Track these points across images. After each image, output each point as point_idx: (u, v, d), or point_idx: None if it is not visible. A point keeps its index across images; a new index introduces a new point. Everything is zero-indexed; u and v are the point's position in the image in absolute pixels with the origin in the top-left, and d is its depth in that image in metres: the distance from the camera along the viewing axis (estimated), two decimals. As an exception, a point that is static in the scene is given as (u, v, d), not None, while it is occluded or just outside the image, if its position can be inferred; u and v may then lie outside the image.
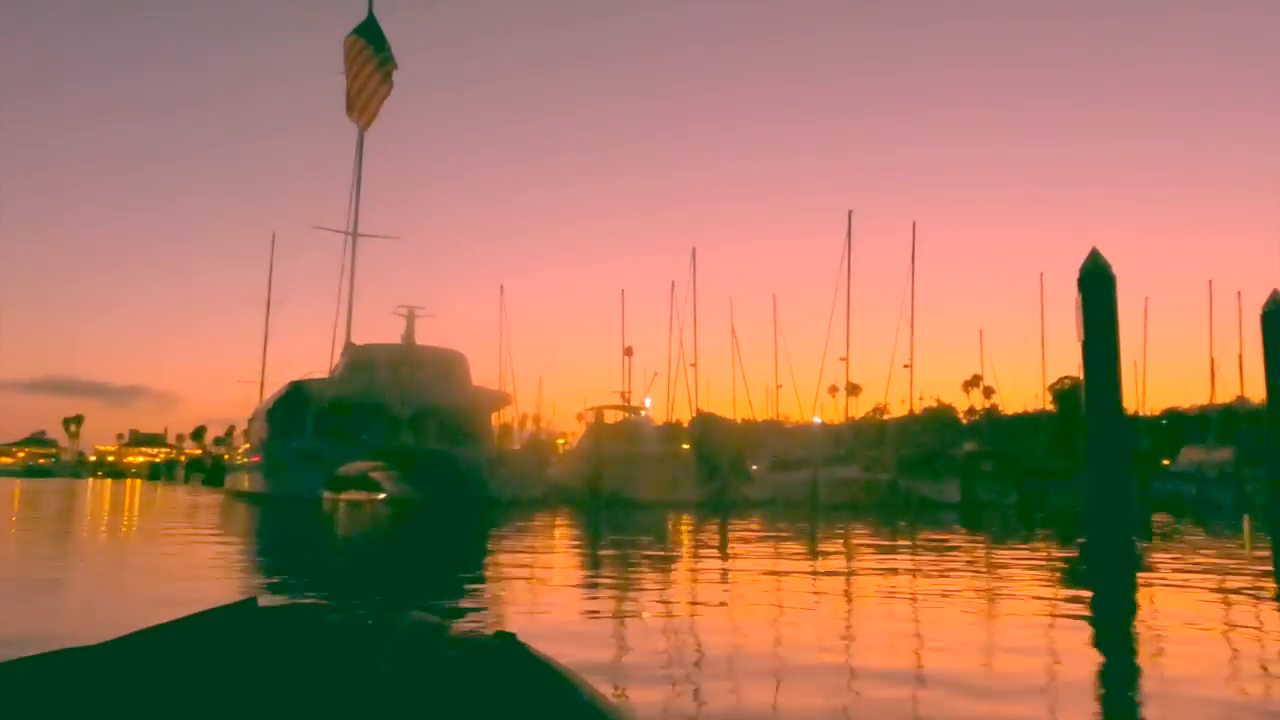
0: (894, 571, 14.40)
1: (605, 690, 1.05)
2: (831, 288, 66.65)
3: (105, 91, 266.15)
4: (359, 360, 41.66)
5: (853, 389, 58.43)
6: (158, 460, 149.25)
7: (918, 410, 58.07)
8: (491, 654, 0.95)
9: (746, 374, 64.73)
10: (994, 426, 63.94)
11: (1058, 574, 14.58)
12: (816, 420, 54.45)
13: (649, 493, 43.41)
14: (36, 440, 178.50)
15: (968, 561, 16.20)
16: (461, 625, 1.02)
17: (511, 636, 0.98)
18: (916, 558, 17.13)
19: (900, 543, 21.52)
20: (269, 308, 64.56)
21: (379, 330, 47.42)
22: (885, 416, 63.02)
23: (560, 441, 67.40)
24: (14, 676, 0.88)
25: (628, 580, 12.99)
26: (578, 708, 0.92)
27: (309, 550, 18.83)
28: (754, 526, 28.85)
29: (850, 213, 55.09)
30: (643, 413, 50.20)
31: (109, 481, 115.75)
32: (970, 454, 48.91)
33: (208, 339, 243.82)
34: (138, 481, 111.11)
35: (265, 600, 1.00)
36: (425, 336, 44.28)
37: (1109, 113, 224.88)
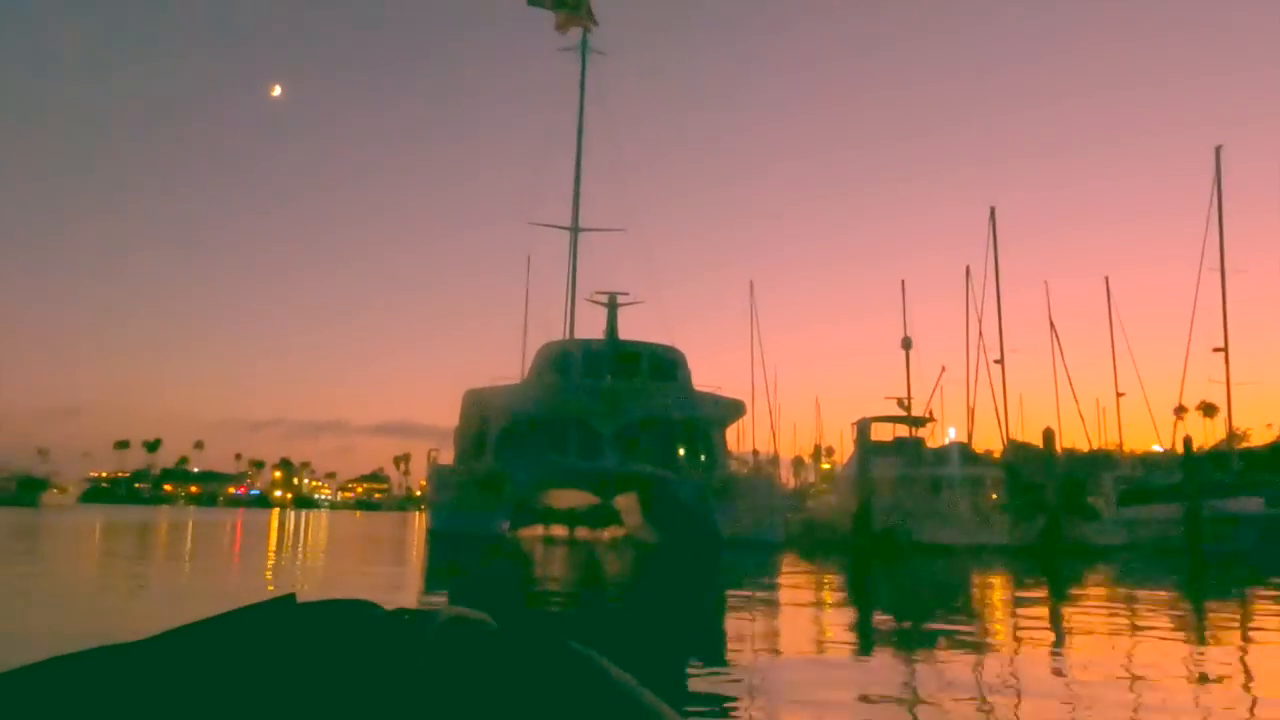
0: None
1: None
2: (1188, 266, 50.77)
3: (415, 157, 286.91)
4: (548, 361, 33.43)
5: (1207, 409, 42.38)
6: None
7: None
8: (533, 647, 0.91)
9: (1073, 378, 49.47)
10: None
11: None
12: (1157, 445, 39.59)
13: (939, 533, 31.68)
14: (374, 477, 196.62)
15: None
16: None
17: (556, 632, 0.93)
18: None
19: None
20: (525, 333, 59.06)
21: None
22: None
23: (825, 466, 56.33)
24: (52, 674, 0.87)
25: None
26: (618, 701, 0.89)
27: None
28: (1109, 589, 16.93)
29: (1218, 149, 40.39)
30: (949, 436, 38.14)
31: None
32: None
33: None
34: None
35: (305, 597, 0.96)
36: (644, 334, 35.29)
37: None
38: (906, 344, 38.97)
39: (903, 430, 38.66)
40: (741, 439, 53.38)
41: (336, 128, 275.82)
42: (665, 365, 33.53)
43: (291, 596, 0.96)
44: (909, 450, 36.38)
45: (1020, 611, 13.76)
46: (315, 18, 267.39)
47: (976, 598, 16.21)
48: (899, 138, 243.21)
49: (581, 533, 44.62)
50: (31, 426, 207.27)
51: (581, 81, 46.44)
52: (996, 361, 41.32)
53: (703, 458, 33.19)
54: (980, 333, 41.24)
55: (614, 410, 32.07)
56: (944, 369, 39.71)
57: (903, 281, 44.17)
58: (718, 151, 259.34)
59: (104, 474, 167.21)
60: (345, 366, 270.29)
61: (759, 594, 15.46)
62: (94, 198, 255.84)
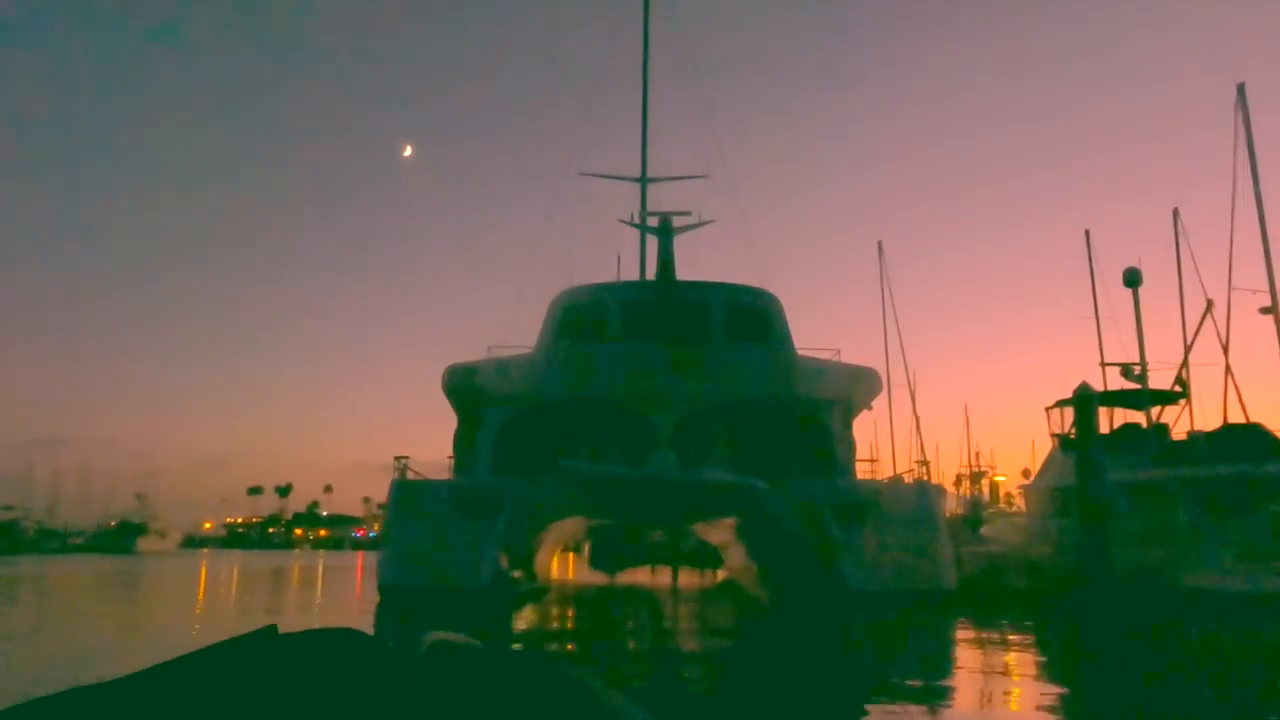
0: None
1: None
2: None
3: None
4: (566, 315, 21.98)
5: None
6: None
7: None
8: (517, 670, 0.91)
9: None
10: None
11: None
12: None
13: (1227, 577, 18.74)
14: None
15: None
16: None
17: (543, 653, 1.31)
18: None
19: None
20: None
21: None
22: None
23: (999, 478, 42.92)
24: (31, 718, 0.88)
25: None
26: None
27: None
28: None
29: None
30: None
31: None
32: None
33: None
34: None
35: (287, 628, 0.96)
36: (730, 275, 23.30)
37: None
38: (1132, 279, 25.78)
39: (1125, 413, 25.56)
40: (876, 454, 40.10)
41: (450, 183, 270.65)
42: (750, 316, 21.72)
43: (273, 628, 0.92)
44: (1150, 442, 23.29)
45: None
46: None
47: None
48: (1071, 49, 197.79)
49: (688, 578, 34.23)
50: (185, 473, 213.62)
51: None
52: (1266, 311, 27.58)
53: (819, 458, 21.17)
54: (1228, 264, 27.47)
55: (671, 388, 20.63)
56: (1212, 303, 26.07)
57: (1086, 233, 31.32)
58: (831, 77, 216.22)
59: (239, 519, 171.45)
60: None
61: None
62: (236, 271, 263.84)
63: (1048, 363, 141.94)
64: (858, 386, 22.32)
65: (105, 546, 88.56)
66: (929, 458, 34.58)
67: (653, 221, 23.81)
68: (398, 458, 20.80)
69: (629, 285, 23.48)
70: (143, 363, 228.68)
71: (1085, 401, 19.61)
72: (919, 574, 18.97)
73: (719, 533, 26.45)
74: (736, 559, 28.16)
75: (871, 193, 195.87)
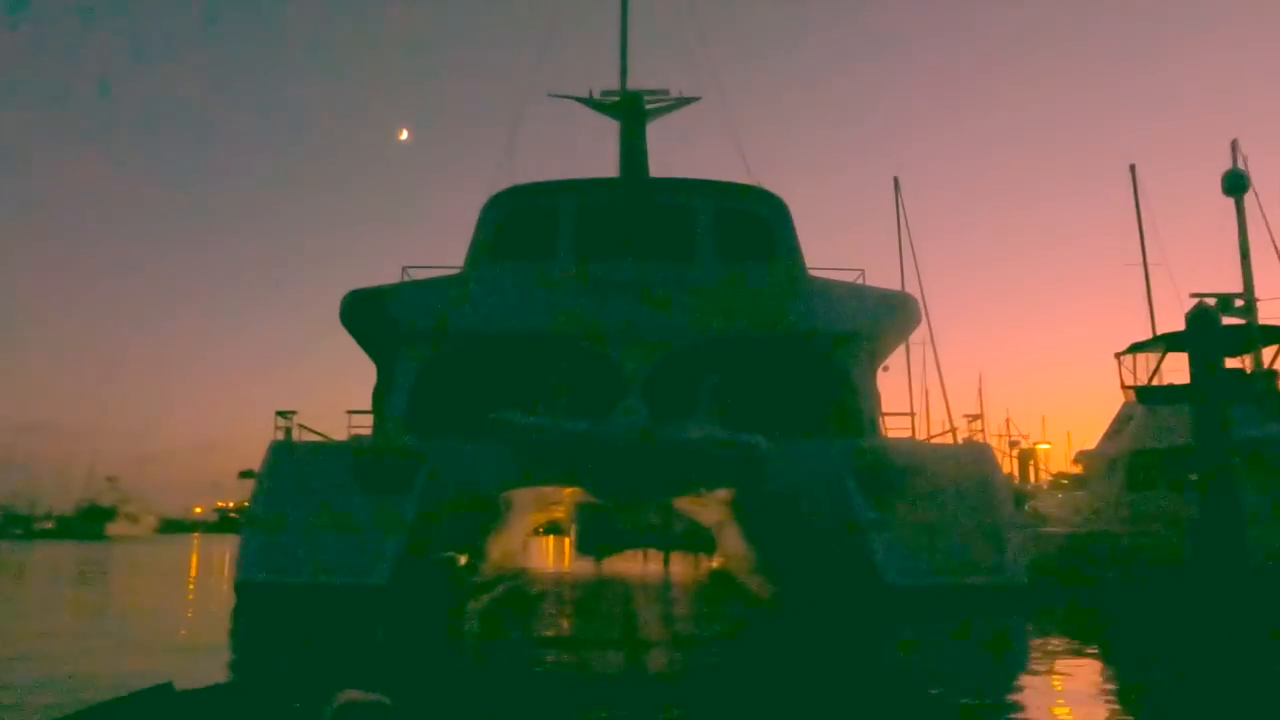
0: None
1: None
2: None
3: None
4: (505, 222, 16.74)
5: None
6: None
7: None
8: None
9: None
10: None
11: None
12: None
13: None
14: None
15: None
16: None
17: (462, 709, 1.27)
18: None
19: None
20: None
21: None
22: None
23: (1041, 446, 37.72)
24: None
25: None
26: None
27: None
28: None
29: None
30: None
31: None
32: None
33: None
34: None
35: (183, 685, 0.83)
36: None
37: None
38: (1235, 182, 20.56)
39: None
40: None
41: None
42: (747, 224, 16.53)
43: (169, 685, 0.94)
44: (1260, 392, 18.10)
45: None
46: None
47: None
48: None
49: (681, 566, 29.86)
50: (176, 458, 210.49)
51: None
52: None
53: (837, 408, 16.09)
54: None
55: (643, 319, 15.56)
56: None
57: (1132, 167, 28.10)
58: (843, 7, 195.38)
59: (231, 504, 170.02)
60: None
61: None
62: (226, 255, 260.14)
63: (1067, 329, 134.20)
64: (888, 317, 17.08)
65: (72, 532, 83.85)
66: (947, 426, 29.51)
67: (610, 94, 18.51)
68: (280, 413, 15.69)
69: (586, 183, 18.13)
70: (134, 347, 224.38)
71: (1203, 324, 14.22)
72: (979, 563, 13.87)
73: (710, 510, 21.50)
74: (732, 543, 23.21)
75: (887, 125, 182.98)
